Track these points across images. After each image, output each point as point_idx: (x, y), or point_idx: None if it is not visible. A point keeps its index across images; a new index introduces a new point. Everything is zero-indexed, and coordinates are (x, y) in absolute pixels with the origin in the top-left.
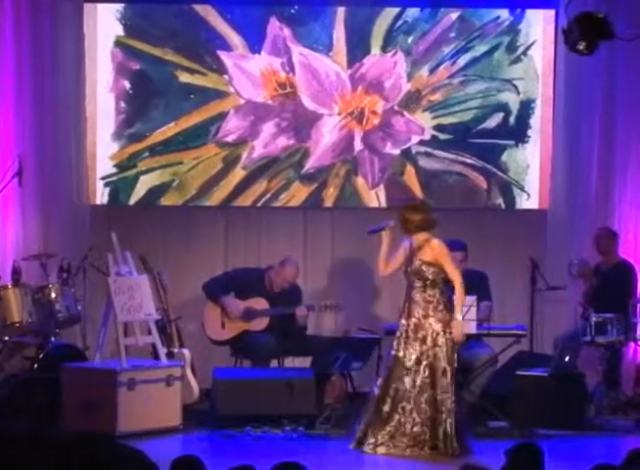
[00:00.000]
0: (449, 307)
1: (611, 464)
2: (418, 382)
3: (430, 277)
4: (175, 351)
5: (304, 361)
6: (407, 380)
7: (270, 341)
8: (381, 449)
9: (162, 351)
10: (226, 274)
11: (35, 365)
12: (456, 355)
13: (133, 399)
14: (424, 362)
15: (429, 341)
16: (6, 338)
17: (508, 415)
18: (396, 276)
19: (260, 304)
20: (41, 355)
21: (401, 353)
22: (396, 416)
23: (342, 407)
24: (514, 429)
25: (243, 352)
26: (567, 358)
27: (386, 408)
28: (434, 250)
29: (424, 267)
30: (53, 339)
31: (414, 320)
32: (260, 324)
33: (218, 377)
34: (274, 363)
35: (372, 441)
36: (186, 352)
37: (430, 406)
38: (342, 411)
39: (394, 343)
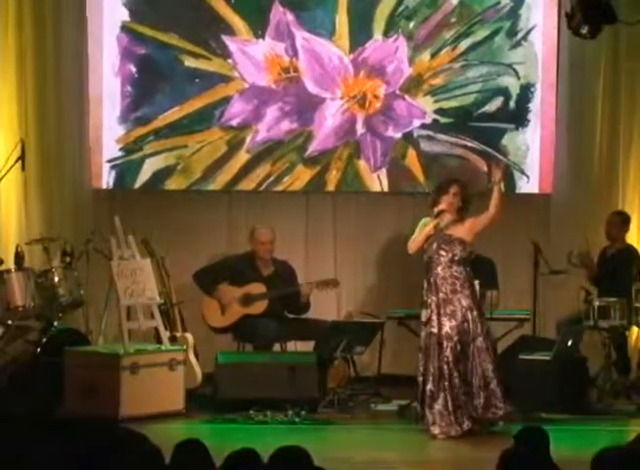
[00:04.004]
0: (473, 287)
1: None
2: (451, 358)
3: (457, 253)
4: (178, 335)
5: (307, 346)
6: (441, 357)
7: (270, 324)
8: (435, 429)
9: (165, 335)
10: (217, 264)
11: (38, 349)
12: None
13: (136, 384)
14: (455, 338)
15: (459, 316)
16: (9, 322)
17: (511, 399)
18: (398, 260)
19: (258, 288)
20: (44, 339)
21: (435, 330)
22: (441, 394)
23: (344, 391)
24: (517, 413)
25: (244, 336)
26: (569, 343)
27: (429, 387)
28: (467, 224)
29: (456, 243)
30: (56, 323)
31: (442, 296)
32: (260, 307)
33: (221, 361)
34: (276, 348)
35: (427, 421)
36: (189, 336)
37: (463, 381)
38: (344, 395)
39: (427, 320)
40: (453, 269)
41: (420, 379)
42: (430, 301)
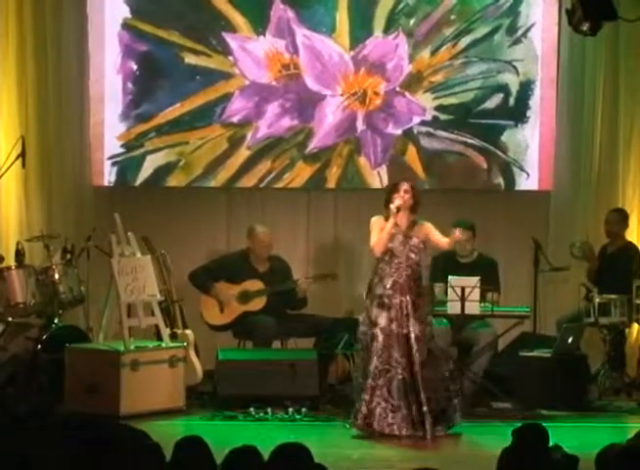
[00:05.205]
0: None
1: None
2: (419, 361)
3: (422, 257)
4: (179, 332)
5: (308, 342)
6: (415, 359)
7: (269, 320)
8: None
9: (166, 332)
10: (213, 262)
11: (39, 346)
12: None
13: (136, 381)
14: (422, 341)
15: (423, 320)
16: (10, 319)
17: (511, 396)
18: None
19: (255, 285)
20: (45, 336)
21: (404, 331)
22: (422, 394)
23: (345, 388)
24: (517, 410)
25: (244, 333)
26: (570, 340)
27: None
28: (426, 227)
29: (420, 245)
30: (56, 320)
31: (410, 298)
32: (259, 304)
33: (222, 358)
34: (277, 344)
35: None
36: (189, 333)
37: (425, 387)
38: (345, 392)
39: (390, 321)
40: (421, 272)
41: (398, 379)
42: (396, 301)
